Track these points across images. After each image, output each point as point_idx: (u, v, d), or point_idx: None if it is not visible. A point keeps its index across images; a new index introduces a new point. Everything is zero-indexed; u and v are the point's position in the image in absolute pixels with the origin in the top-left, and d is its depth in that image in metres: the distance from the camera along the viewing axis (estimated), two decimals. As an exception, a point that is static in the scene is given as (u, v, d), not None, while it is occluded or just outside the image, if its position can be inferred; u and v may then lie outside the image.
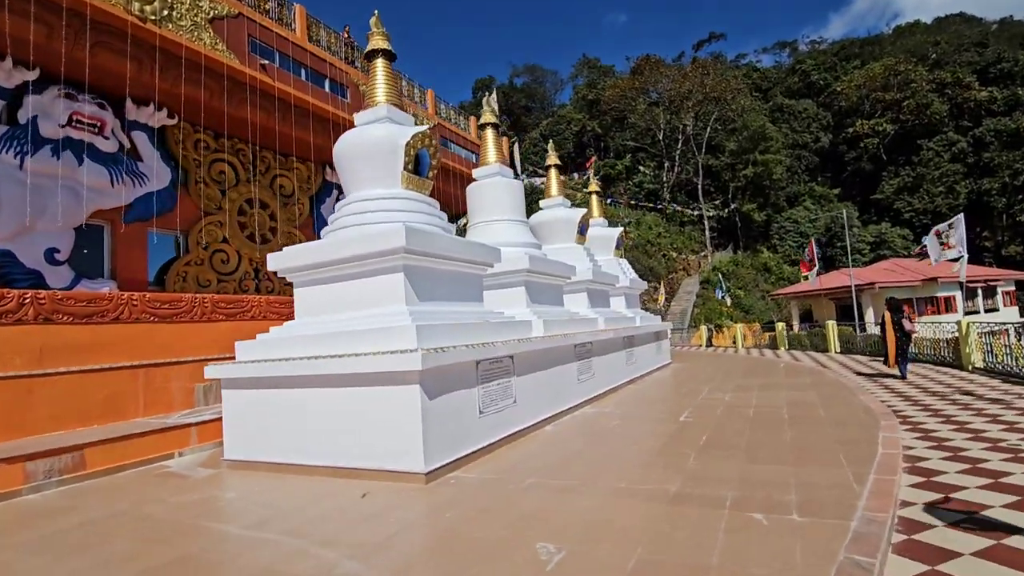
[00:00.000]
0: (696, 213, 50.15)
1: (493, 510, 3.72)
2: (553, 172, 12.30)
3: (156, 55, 10.94)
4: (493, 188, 8.99)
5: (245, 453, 5.67)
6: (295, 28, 14.33)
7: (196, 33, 11.52)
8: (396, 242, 5.26)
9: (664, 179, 52.47)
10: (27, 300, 7.53)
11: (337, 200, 17.55)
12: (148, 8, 10.63)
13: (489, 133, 9.41)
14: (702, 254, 47.30)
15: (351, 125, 15.66)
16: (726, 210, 50.68)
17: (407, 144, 6.14)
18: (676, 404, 7.87)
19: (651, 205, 49.12)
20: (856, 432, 5.28)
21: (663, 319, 36.98)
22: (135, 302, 9.44)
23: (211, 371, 5.93)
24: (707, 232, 49.47)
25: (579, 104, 62.56)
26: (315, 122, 14.66)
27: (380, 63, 6.88)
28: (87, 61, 10.36)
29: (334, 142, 15.14)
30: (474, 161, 22.32)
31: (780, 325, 20.29)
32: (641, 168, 53.52)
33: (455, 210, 22.87)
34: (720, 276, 38.81)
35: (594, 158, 55.20)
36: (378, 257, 5.47)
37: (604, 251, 13.82)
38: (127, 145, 11.96)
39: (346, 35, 15.78)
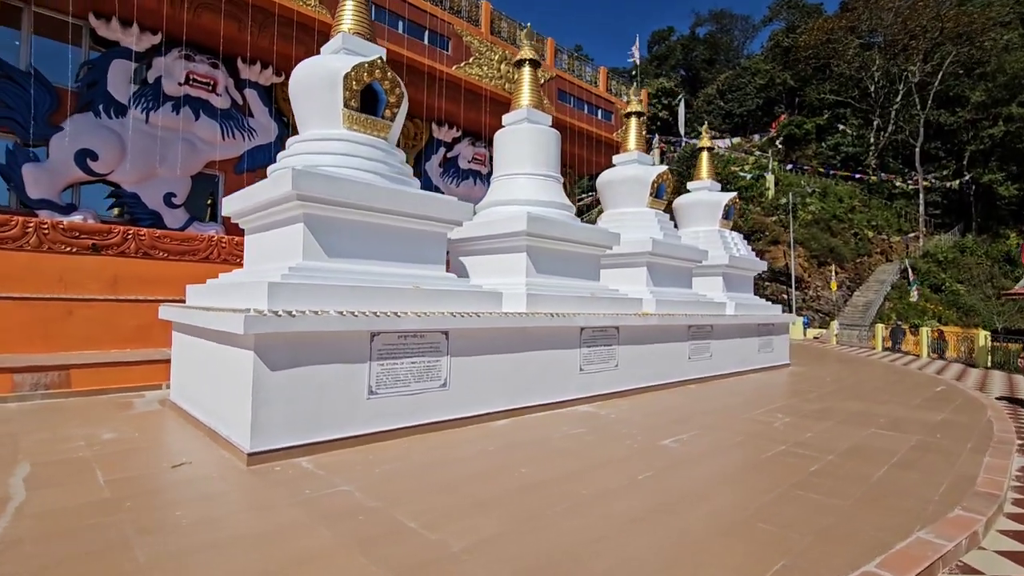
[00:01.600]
0: (911, 184, 40.22)
1: (207, 522, 2.94)
2: (633, 122, 10.35)
3: (251, 12, 11.61)
4: (516, 136, 7.71)
5: (177, 396, 5.71)
6: (396, -22, 14.09)
7: (285, -15, 11.84)
8: (283, 187, 4.59)
9: (871, 141, 42.89)
10: (130, 235, 8.58)
11: (444, 157, 17.57)
12: (242, -34, 11.14)
13: (526, 72, 8.08)
14: (911, 235, 37.99)
15: (451, 78, 15.26)
16: (956, 181, 39.67)
17: (347, 76, 5.33)
18: (698, 421, 6.03)
19: (847, 173, 40.58)
20: (886, 521, 3.23)
21: (837, 312, 30.72)
22: (223, 244, 10.33)
23: (163, 312, 6.05)
24: (922, 208, 39.46)
25: (771, 53, 53.89)
26: (414, 76, 14.49)
27: (348, -14, 6.07)
28: (195, 23, 11.43)
29: (437, 97, 14.62)
30: (609, 121, 20.51)
31: (982, 335, 15.08)
32: (841, 127, 44.37)
33: (580, 172, 21.46)
34: (907, 263, 30.73)
35: (783, 116, 47.58)
36: (278, 205, 4.87)
37: (705, 220, 11.44)
38: (240, 102, 13.12)
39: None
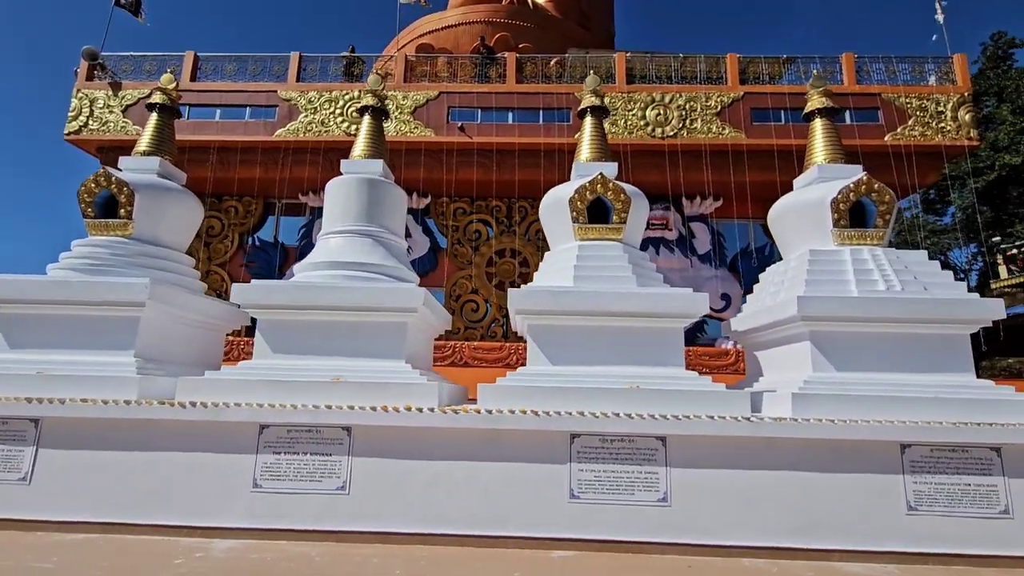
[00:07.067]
0: None
1: None
2: (818, 124, 6.75)
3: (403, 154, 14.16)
4: (333, 191, 6.53)
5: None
6: (505, 78, 14.70)
7: (399, 128, 14.23)
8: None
9: None
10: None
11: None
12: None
13: (365, 120, 6.99)
14: None
15: (573, 146, 15.21)
16: None
17: (78, 192, 6.20)
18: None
19: None
20: None
21: None
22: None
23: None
24: None
25: None
26: (529, 158, 14.23)
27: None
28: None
29: (568, 174, 14.95)
30: (874, 121, 14.25)
31: None
32: None
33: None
34: None
35: None
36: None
37: (803, 237, 6.13)
38: (400, 227, 15.69)
39: (350, 52, 14.71)
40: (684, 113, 13.80)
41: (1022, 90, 32.35)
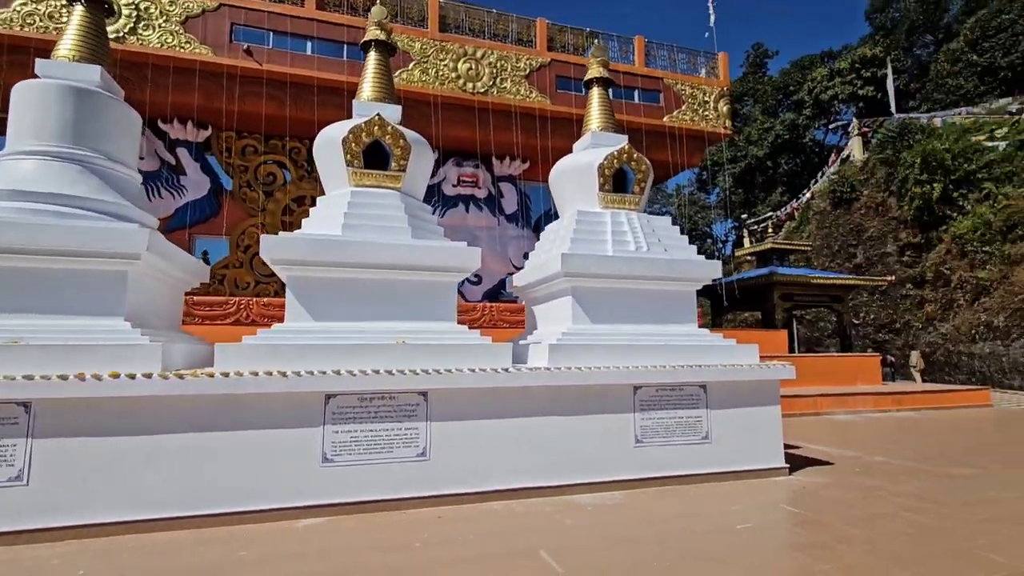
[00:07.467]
0: None
1: None
2: (594, 92, 6.88)
3: (128, 69, 11.52)
4: (24, 98, 4.96)
5: None
6: (304, 1, 12.91)
7: (164, 39, 11.61)
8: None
9: None
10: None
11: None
12: (114, 25, 11.18)
13: (78, 11, 5.46)
14: None
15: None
16: None
17: None
18: None
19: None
20: None
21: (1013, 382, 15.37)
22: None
23: None
24: None
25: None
26: (330, 95, 12.81)
27: None
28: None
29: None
30: (655, 103, 15.61)
31: None
32: None
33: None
34: None
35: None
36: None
37: (575, 199, 6.46)
38: (172, 162, 13.26)
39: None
40: (495, 71, 13.79)
41: (769, 95, 39.63)
